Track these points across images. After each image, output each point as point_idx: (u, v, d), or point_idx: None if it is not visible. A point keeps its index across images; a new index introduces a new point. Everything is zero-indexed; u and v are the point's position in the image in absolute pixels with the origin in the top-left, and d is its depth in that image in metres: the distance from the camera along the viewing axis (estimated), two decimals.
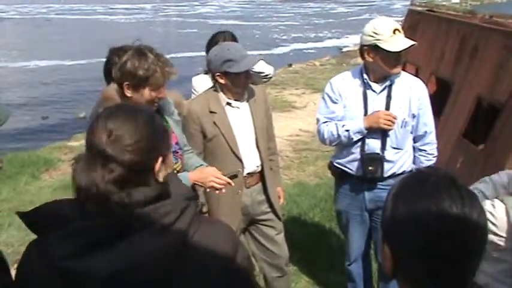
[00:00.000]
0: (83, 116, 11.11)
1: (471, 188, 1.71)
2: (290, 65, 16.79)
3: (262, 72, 3.78)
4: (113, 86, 2.47)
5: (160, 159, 1.36)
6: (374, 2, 53.86)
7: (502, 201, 1.52)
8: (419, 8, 5.12)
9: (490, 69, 3.35)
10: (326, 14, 41.34)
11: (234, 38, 3.72)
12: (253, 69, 3.60)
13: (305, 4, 51.75)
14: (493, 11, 6.03)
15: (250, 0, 57.48)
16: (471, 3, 38.33)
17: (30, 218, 1.30)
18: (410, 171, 3.03)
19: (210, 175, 2.60)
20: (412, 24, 4.87)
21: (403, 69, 4.47)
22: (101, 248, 1.22)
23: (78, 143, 8.39)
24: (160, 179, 1.37)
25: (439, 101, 3.89)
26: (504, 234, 1.46)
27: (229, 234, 1.42)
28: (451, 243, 1.05)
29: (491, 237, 1.47)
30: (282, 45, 23.25)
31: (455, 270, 1.07)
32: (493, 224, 1.48)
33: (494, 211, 1.50)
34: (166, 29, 31.31)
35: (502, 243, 1.46)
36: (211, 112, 2.97)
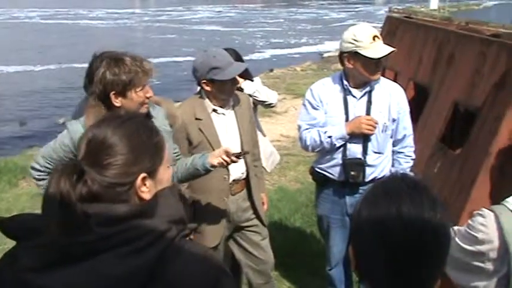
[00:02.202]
0: (62, 122, 10.98)
1: None
2: (271, 70, 16.85)
3: (266, 101, 3.77)
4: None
5: (143, 175, 1.29)
6: (358, 8, 54.35)
7: (490, 210, 1.54)
8: (397, 15, 5.20)
9: (466, 75, 3.42)
10: (308, 19, 41.53)
11: (237, 55, 3.70)
12: (258, 98, 3.64)
13: (288, 10, 51.97)
14: (469, 17, 6.14)
15: (234, 6, 57.56)
16: (449, 10, 38.99)
17: (5, 227, 1.23)
18: None
19: (221, 153, 2.66)
20: (391, 30, 4.94)
21: (383, 75, 4.54)
22: (63, 265, 1.14)
23: None
24: (145, 196, 1.29)
25: (417, 106, 3.95)
26: (497, 243, 1.48)
27: (212, 264, 1.30)
28: (412, 247, 1.07)
29: (484, 248, 1.49)
30: (263, 51, 23.32)
31: (415, 274, 1.09)
32: (486, 233, 1.50)
33: (485, 221, 1.52)
34: (147, 34, 31.13)
35: (495, 254, 1.47)
36: (196, 119, 2.98)
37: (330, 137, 3.04)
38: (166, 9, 51.65)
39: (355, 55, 2.94)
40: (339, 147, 3.08)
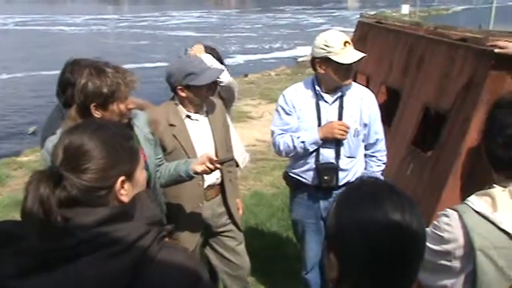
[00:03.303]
0: (33, 131, 10.79)
1: None
2: (246, 76, 16.90)
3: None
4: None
5: (122, 178, 1.31)
6: (334, 13, 54.84)
7: (453, 209, 1.57)
8: (368, 20, 5.27)
9: (435, 79, 3.48)
10: (284, 25, 41.78)
11: (217, 54, 3.69)
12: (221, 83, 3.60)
13: (265, 15, 52.16)
14: (439, 22, 6.25)
15: (209, 11, 57.54)
16: (419, 15, 39.67)
17: None
18: None
19: (205, 161, 2.67)
20: (362, 35, 5.00)
21: (355, 79, 4.60)
22: (43, 271, 1.15)
23: (28, 158, 8.16)
24: (124, 199, 1.32)
25: (389, 110, 4.00)
26: (462, 241, 1.51)
27: (191, 263, 1.33)
28: (394, 250, 1.10)
29: (450, 247, 1.52)
30: (235, 56, 23.35)
31: (397, 276, 1.12)
32: (451, 232, 1.53)
33: (449, 220, 1.55)
34: (120, 40, 30.87)
35: (461, 252, 1.51)
36: (170, 125, 2.97)
37: (303, 142, 3.07)
38: (142, 15, 51.37)
39: (326, 60, 2.98)
40: (312, 152, 3.11)
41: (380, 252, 1.10)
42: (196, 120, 3.04)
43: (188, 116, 3.01)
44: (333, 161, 3.11)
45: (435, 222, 1.62)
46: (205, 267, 1.39)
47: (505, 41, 3.09)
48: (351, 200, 1.18)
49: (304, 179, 3.20)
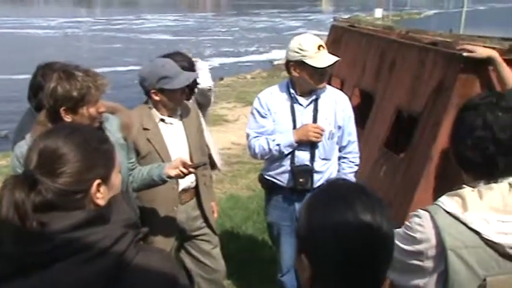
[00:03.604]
0: (4, 135, 10.59)
1: None
2: (221, 79, 16.87)
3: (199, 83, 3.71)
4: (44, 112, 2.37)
5: (97, 181, 1.31)
6: (310, 16, 55.17)
7: (425, 210, 1.60)
8: (341, 24, 5.32)
9: (407, 82, 3.54)
10: (260, 28, 41.87)
11: (189, 60, 3.69)
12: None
13: (241, 18, 52.18)
14: (412, 26, 6.35)
15: (184, 15, 57.32)
16: (392, 19, 40.25)
17: None
18: None
19: (178, 165, 2.67)
20: (336, 39, 5.06)
21: (329, 83, 4.65)
22: (18, 276, 1.15)
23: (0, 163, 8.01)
24: (100, 202, 1.31)
25: (362, 113, 4.05)
26: (434, 241, 1.53)
27: (168, 265, 1.34)
28: (365, 250, 1.12)
29: (422, 247, 1.55)
30: (209, 59, 23.31)
31: (368, 276, 1.13)
32: (423, 233, 1.55)
33: (421, 221, 1.57)
34: (93, 44, 30.47)
35: (433, 252, 1.53)
36: (144, 129, 2.95)
37: (278, 144, 3.09)
38: (116, 17, 50.81)
39: (301, 64, 3.01)
40: (287, 155, 3.13)
41: (351, 252, 1.12)
42: (171, 123, 3.03)
43: (162, 120, 3.00)
44: (308, 163, 3.14)
45: (407, 223, 1.64)
46: (182, 269, 1.40)
47: (474, 44, 3.16)
48: (322, 201, 1.20)
49: (280, 181, 3.22)
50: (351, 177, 3.32)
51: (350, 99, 4.37)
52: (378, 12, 40.50)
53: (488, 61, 2.93)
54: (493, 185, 1.56)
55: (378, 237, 1.14)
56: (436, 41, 3.93)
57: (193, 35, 35.05)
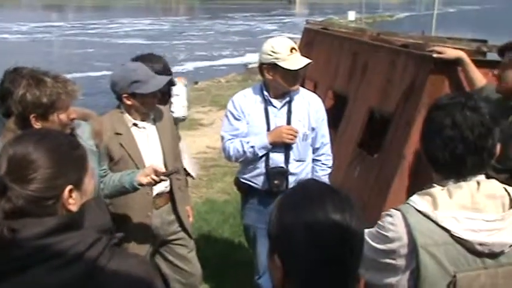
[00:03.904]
0: None
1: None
2: (196, 83, 16.82)
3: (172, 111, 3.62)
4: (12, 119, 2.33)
5: (69, 187, 1.29)
6: (284, 19, 55.42)
7: (396, 209, 1.62)
8: (314, 27, 5.36)
9: (379, 83, 3.59)
10: (234, 31, 41.90)
11: (165, 63, 3.66)
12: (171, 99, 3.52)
13: (214, 22, 52.13)
14: (384, 28, 6.44)
15: (158, 18, 57.00)
16: (365, 21, 40.74)
17: None
18: None
19: (150, 172, 2.66)
20: (308, 41, 5.09)
21: (303, 85, 4.67)
22: None
23: None
24: (72, 208, 1.30)
25: (336, 114, 4.09)
26: (406, 240, 1.55)
27: (144, 269, 1.33)
28: (337, 248, 1.13)
29: (394, 246, 1.57)
30: (183, 64, 23.21)
31: (341, 273, 1.15)
32: (395, 231, 1.57)
33: (393, 220, 1.59)
34: (65, 49, 30.03)
35: (405, 250, 1.55)
36: (116, 134, 2.93)
37: (252, 147, 3.10)
38: (89, 22, 50.26)
39: (274, 67, 3.02)
40: (262, 157, 3.14)
41: (323, 251, 1.13)
42: (144, 128, 3.01)
43: (135, 124, 2.98)
44: (283, 165, 3.15)
45: (379, 222, 1.66)
46: (158, 272, 1.39)
47: (443, 46, 3.22)
48: (293, 201, 1.21)
49: (255, 184, 3.23)
50: (325, 180, 3.33)
51: (324, 101, 4.42)
52: (351, 15, 40.99)
53: (457, 62, 3.00)
54: (462, 183, 1.59)
55: (349, 235, 1.15)
56: (407, 43, 4.00)
57: (167, 39, 34.91)
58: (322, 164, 3.34)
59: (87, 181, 1.38)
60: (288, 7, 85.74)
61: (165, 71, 3.52)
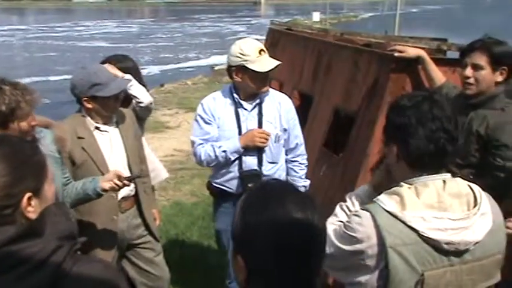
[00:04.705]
0: None
1: (337, 207, 1.84)
2: (162, 85, 16.68)
3: (138, 98, 3.59)
4: None
5: (28, 194, 1.27)
6: (251, 21, 55.47)
7: (364, 209, 1.63)
8: (278, 28, 5.39)
9: (342, 83, 3.63)
10: (202, 33, 41.74)
11: (133, 62, 3.62)
12: (131, 92, 3.49)
13: (181, 24, 51.79)
14: (349, 28, 6.53)
15: (123, 21, 56.33)
16: (330, 22, 41.20)
17: None
18: None
19: (112, 178, 2.63)
20: (273, 42, 5.12)
21: (269, 86, 4.67)
22: None
23: None
24: (32, 216, 1.27)
25: (302, 114, 4.11)
26: (374, 240, 1.56)
27: (109, 274, 1.31)
28: (299, 246, 1.14)
29: (362, 246, 1.58)
30: (150, 66, 22.98)
31: (304, 271, 1.15)
32: (363, 232, 1.59)
33: (361, 220, 1.60)
34: (26, 52, 29.35)
35: (374, 250, 1.56)
36: (79, 138, 2.87)
37: (224, 151, 3.06)
38: (52, 25, 49.23)
39: (242, 69, 3.00)
40: (235, 160, 3.11)
41: (285, 249, 1.14)
42: (106, 131, 2.96)
43: (97, 128, 2.93)
44: (256, 167, 3.13)
45: (346, 222, 1.66)
46: (124, 277, 1.37)
47: (404, 45, 3.28)
48: (255, 201, 1.21)
49: (228, 188, 3.18)
50: (304, 179, 3.35)
51: None
52: (316, 16, 41.40)
53: (418, 60, 3.05)
54: (429, 182, 1.62)
55: (311, 233, 1.16)
56: (369, 43, 4.06)
57: (132, 41, 34.51)
58: (300, 164, 3.33)
59: (47, 187, 1.35)
60: (254, 8, 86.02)
61: (136, 69, 3.52)
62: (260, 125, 3.13)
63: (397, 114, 1.69)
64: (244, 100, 3.13)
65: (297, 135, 3.31)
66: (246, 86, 3.07)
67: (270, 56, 3.10)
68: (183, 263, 4.41)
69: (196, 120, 3.20)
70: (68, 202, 2.65)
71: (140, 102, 3.49)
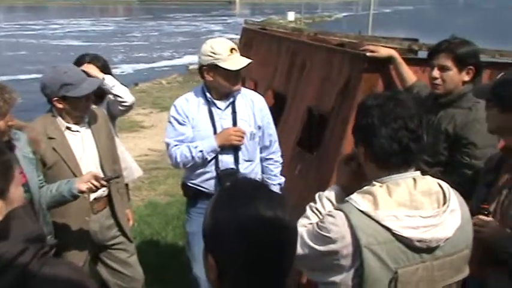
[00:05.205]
0: None
1: (307, 208, 1.85)
2: (136, 85, 16.55)
3: (122, 98, 3.56)
4: None
5: None
6: (227, 19, 55.30)
7: (338, 209, 1.64)
8: (252, 27, 5.39)
9: (316, 82, 3.65)
10: (177, 32, 41.46)
11: (104, 62, 3.60)
12: (114, 92, 3.48)
13: (158, 23, 51.32)
14: (323, 28, 6.57)
15: (96, 20, 55.55)
16: (305, 21, 41.44)
17: None
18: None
19: (89, 179, 2.61)
20: (247, 41, 5.11)
21: (243, 85, 4.68)
22: None
23: None
24: None
25: (276, 113, 4.12)
26: (349, 240, 1.57)
27: (77, 276, 1.29)
28: (270, 245, 1.14)
29: (337, 246, 1.59)
30: (123, 66, 22.74)
31: (274, 270, 1.15)
32: (338, 232, 1.59)
33: (335, 220, 1.61)
34: None
35: (348, 250, 1.58)
36: (49, 138, 2.82)
37: (201, 151, 3.04)
38: (23, 23, 48.24)
39: (214, 68, 3.00)
40: (211, 160, 3.10)
41: (255, 248, 1.14)
42: (78, 131, 2.92)
43: (68, 128, 2.89)
44: (233, 166, 3.13)
45: (319, 222, 1.67)
46: (92, 280, 1.36)
47: (376, 45, 3.32)
48: (226, 200, 1.21)
49: (205, 188, 3.16)
50: (279, 177, 3.38)
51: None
52: (291, 15, 41.63)
53: (389, 60, 3.10)
54: (400, 181, 1.64)
55: (281, 231, 1.16)
56: (343, 42, 4.09)
57: (106, 40, 34.09)
58: (275, 161, 3.37)
59: (14, 189, 1.33)
60: (229, 8, 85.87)
61: (106, 68, 3.54)
62: (234, 123, 3.13)
63: (362, 115, 1.72)
64: (217, 99, 3.12)
65: (271, 133, 3.33)
66: (218, 85, 3.07)
67: (243, 55, 3.10)
68: (158, 263, 4.39)
69: (170, 122, 3.17)
70: (43, 204, 2.61)
71: (124, 102, 3.49)
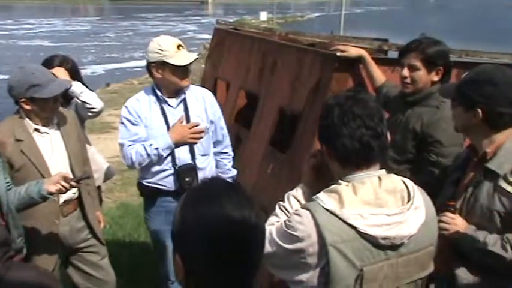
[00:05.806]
0: None
1: (276, 207, 1.86)
2: (108, 85, 16.37)
3: (90, 104, 3.56)
4: None
5: None
6: (201, 19, 55.03)
7: (304, 208, 1.65)
8: (224, 27, 5.39)
9: (287, 82, 3.66)
10: (151, 32, 40.94)
11: (73, 63, 3.58)
12: (82, 99, 3.47)
13: (131, 23, 50.75)
14: (295, 28, 6.61)
15: (68, 19, 54.67)
16: (277, 22, 41.59)
17: None
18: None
19: (59, 180, 2.57)
20: (219, 42, 5.10)
21: (215, 86, 4.69)
22: None
23: None
24: None
25: (249, 114, 4.13)
26: (315, 238, 1.58)
27: (43, 280, 1.28)
28: (235, 244, 1.14)
29: (303, 245, 1.60)
30: (93, 66, 22.45)
31: (240, 270, 1.16)
32: (304, 231, 1.60)
33: (301, 219, 1.62)
34: None
35: (314, 248, 1.59)
36: (17, 140, 2.77)
37: (156, 148, 3.05)
38: None
39: (162, 64, 3.04)
40: (167, 157, 3.11)
41: (221, 248, 1.14)
42: (46, 133, 2.87)
43: (37, 130, 2.84)
44: (190, 161, 3.15)
45: (287, 221, 1.68)
46: (60, 283, 1.34)
47: (346, 45, 3.36)
48: (194, 199, 1.21)
49: (163, 185, 3.16)
50: (233, 170, 3.48)
51: (236, 101, 4.46)
52: (263, 16, 41.72)
53: (359, 60, 3.13)
54: (365, 179, 1.66)
55: (248, 231, 1.17)
56: (314, 42, 4.12)
57: (77, 40, 33.56)
58: (229, 155, 3.46)
59: None
60: (201, 7, 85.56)
61: (75, 70, 3.55)
62: (188, 119, 3.15)
63: (324, 115, 1.74)
64: (168, 97, 3.16)
65: (222, 127, 3.40)
66: (167, 81, 3.10)
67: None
68: (131, 265, 4.36)
69: (123, 123, 3.17)
70: (12, 207, 2.56)
71: (92, 108, 3.47)
